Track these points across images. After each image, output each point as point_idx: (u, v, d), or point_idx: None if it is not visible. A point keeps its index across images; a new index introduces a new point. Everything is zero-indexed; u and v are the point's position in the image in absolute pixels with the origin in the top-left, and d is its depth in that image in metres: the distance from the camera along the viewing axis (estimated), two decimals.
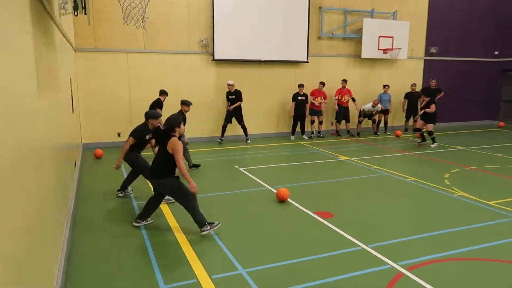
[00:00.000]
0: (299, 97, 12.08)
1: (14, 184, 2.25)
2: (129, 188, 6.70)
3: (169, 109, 8.78)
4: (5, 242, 1.98)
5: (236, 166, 8.58)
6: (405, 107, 13.77)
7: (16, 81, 2.48)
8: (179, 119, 5.00)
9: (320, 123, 12.69)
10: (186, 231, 5.07)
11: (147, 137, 6.30)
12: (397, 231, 5.18)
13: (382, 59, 13.81)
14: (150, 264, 4.23)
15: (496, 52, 15.99)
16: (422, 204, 6.38)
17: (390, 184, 7.45)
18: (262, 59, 12.09)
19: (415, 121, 13.25)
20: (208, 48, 11.59)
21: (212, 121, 11.96)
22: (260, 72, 12.37)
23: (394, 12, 13.80)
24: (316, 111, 12.51)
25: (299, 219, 5.58)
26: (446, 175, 7.91)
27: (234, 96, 11.25)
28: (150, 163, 5.28)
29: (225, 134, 11.63)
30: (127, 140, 6.18)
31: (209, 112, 11.88)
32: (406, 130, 14.01)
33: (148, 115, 6.30)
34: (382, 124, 13.59)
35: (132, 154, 6.16)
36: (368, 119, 13.18)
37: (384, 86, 13.37)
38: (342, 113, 12.83)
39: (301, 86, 12.04)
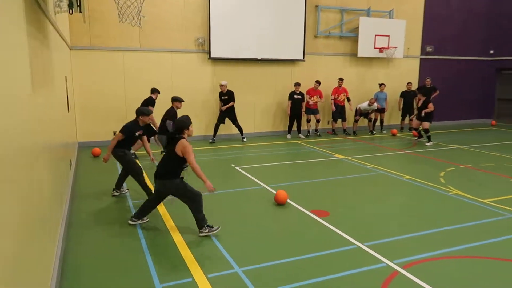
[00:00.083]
0: (296, 96, 12.08)
1: (7, 183, 2.24)
2: (125, 187, 6.68)
3: (163, 107, 8.77)
4: None
5: (233, 165, 8.58)
6: (401, 106, 13.81)
7: (9, 79, 2.46)
8: (187, 121, 4.93)
9: (318, 121, 12.69)
10: (182, 231, 5.06)
11: (137, 133, 6.22)
12: (392, 229, 5.20)
13: (378, 57, 13.83)
14: (145, 263, 4.22)
15: (492, 51, 16.06)
16: (417, 202, 6.40)
17: (386, 182, 7.47)
18: (259, 57, 12.07)
19: (410, 120, 13.31)
20: (204, 46, 11.56)
21: (208, 120, 11.94)
22: (256, 71, 12.36)
23: (391, 10, 13.83)
24: (313, 110, 12.51)
25: (295, 218, 5.59)
26: (442, 174, 7.94)
27: (226, 97, 11.22)
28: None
29: (219, 133, 11.63)
30: (116, 135, 6.11)
31: (205, 111, 11.87)
32: (402, 128, 14.06)
33: (139, 112, 6.25)
34: (378, 123, 13.62)
35: (119, 151, 6.09)
36: (364, 117, 13.20)
37: (380, 84, 13.40)
38: (338, 112, 12.84)
39: (297, 84, 12.04)
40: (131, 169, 6.15)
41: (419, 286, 3.77)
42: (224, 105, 11.25)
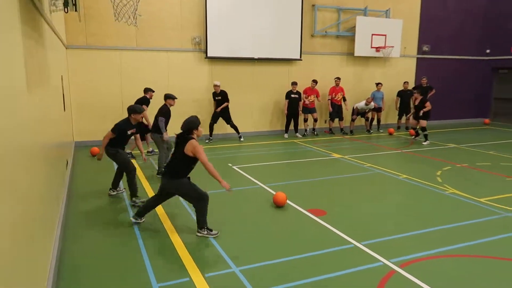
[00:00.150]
0: (292, 95, 12.08)
1: (2, 183, 2.22)
2: (121, 186, 6.65)
3: (159, 105, 8.70)
4: None
5: (230, 164, 8.56)
6: (398, 105, 13.84)
7: (4, 79, 2.44)
8: (197, 121, 4.90)
9: (315, 120, 12.70)
10: (180, 231, 5.04)
11: (129, 132, 6.13)
12: (389, 228, 5.20)
13: (375, 57, 13.85)
14: (142, 263, 4.21)
15: (488, 51, 16.12)
16: (414, 201, 6.41)
17: (383, 181, 7.48)
18: (255, 57, 12.06)
19: (407, 119, 13.34)
20: (201, 45, 11.54)
21: (205, 119, 11.88)
22: (253, 70, 12.34)
23: (387, 10, 13.85)
24: (310, 109, 12.52)
25: (292, 217, 5.59)
26: (438, 173, 7.96)
27: (220, 97, 11.20)
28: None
29: (216, 132, 11.62)
30: (107, 133, 6.01)
31: (201, 110, 11.82)
32: (399, 128, 14.09)
33: (130, 110, 6.14)
34: (375, 122, 13.65)
35: (112, 150, 6.03)
36: (361, 117, 13.22)
37: (377, 84, 13.42)
38: (336, 111, 12.85)
39: (294, 84, 12.04)
40: (125, 167, 6.11)
41: (416, 285, 3.78)
42: (218, 105, 11.23)
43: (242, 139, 11.63)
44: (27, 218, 2.92)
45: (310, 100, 12.42)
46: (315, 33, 12.95)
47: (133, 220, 5.19)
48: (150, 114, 8.68)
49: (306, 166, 8.76)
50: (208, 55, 11.48)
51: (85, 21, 10.17)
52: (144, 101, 8.91)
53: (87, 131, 10.60)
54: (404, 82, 13.83)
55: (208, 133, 11.40)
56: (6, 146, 2.36)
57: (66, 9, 5.37)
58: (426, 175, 7.76)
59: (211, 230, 4.89)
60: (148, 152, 9.46)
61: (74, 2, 5.33)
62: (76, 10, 5.43)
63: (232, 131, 11.70)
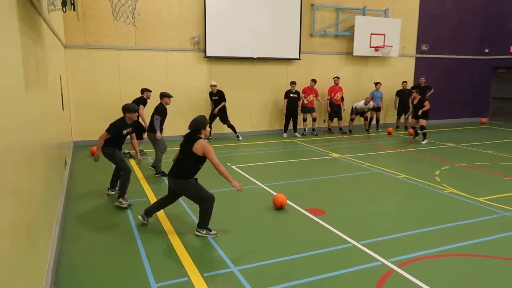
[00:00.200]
0: (291, 95, 12.08)
1: (2, 183, 2.21)
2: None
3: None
4: None
5: (229, 164, 8.56)
6: (397, 105, 13.85)
7: (2, 78, 2.44)
8: (204, 121, 4.86)
9: (314, 119, 12.70)
10: (178, 230, 5.04)
11: (125, 131, 6.07)
12: (388, 227, 5.21)
13: (374, 56, 13.85)
14: (141, 263, 4.20)
15: (487, 50, 16.14)
16: (413, 200, 6.42)
17: (382, 181, 7.49)
18: (254, 56, 12.06)
19: (406, 119, 13.36)
20: (200, 45, 11.53)
21: None
22: (252, 70, 12.34)
23: (386, 9, 13.85)
24: (309, 108, 12.52)
25: (291, 217, 5.59)
26: (437, 172, 7.97)
27: (217, 97, 11.19)
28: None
29: (214, 132, 11.60)
30: (102, 134, 5.94)
31: (200, 109, 11.80)
32: (397, 127, 14.10)
33: (124, 109, 6.07)
34: (374, 122, 13.66)
35: (109, 150, 5.98)
36: (360, 116, 13.23)
37: (376, 83, 13.43)
38: (335, 110, 12.86)
39: (293, 83, 12.04)
40: (122, 167, 6.08)
41: (414, 284, 3.78)
42: (215, 105, 11.22)
43: (240, 138, 11.63)
44: (26, 218, 2.92)
45: (309, 100, 12.42)
46: (314, 33, 12.95)
47: (140, 218, 5.15)
48: (147, 114, 8.66)
49: (305, 166, 8.76)
50: (207, 54, 11.48)
51: (84, 20, 10.16)
52: (141, 101, 8.86)
53: (85, 131, 10.58)
54: (403, 82, 13.84)
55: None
56: (3, 146, 2.36)
57: (64, 8, 5.36)
58: (425, 174, 7.77)
59: (210, 230, 4.89)
60: (140, 151, 9.43)
61: (72, 2, 5.31)
62: (74, 10, 5.42)
63: (230, 130, 11.70)
